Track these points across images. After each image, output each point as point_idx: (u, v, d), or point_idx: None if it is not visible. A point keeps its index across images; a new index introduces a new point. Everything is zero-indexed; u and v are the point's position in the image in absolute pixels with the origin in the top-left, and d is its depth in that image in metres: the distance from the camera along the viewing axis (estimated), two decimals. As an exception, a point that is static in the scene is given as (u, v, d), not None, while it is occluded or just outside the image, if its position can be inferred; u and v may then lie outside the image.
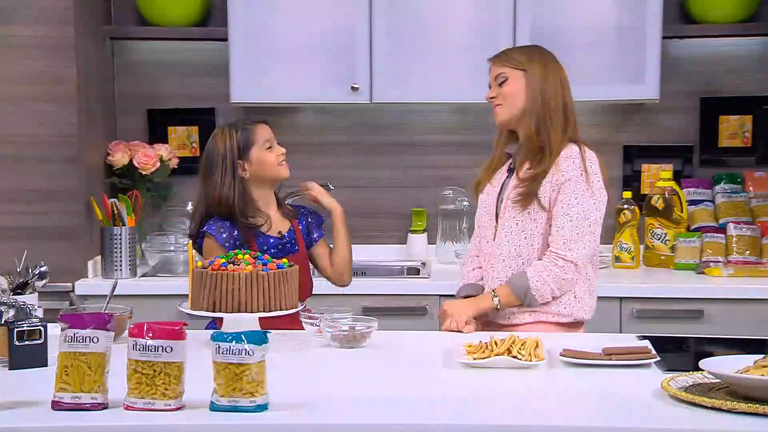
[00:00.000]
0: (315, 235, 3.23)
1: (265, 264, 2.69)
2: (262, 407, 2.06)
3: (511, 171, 3.02)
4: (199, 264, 2.74)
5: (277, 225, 3.19)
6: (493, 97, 3.01)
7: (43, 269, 2.81)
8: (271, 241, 3.14)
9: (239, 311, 2.62)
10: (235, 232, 3.08)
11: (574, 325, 2.98)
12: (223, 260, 2.68)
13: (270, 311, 2.64)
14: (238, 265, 2.66)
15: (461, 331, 2.87)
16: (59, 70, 3.80)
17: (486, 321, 3.01)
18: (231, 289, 2.62)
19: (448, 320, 2.93)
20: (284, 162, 3.17)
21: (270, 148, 3.14)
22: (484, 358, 2.45)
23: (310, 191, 3.26)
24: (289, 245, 3.17)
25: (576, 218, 2.87)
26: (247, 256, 2.71)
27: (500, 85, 2.99)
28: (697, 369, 2.23)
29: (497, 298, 2.91)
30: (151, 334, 2.07)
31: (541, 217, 2.91)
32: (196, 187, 3.22)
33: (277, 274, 2.66)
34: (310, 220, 3.26)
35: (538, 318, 2.94)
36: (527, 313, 2.94)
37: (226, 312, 2.63)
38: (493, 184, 3.05)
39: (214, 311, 2.65)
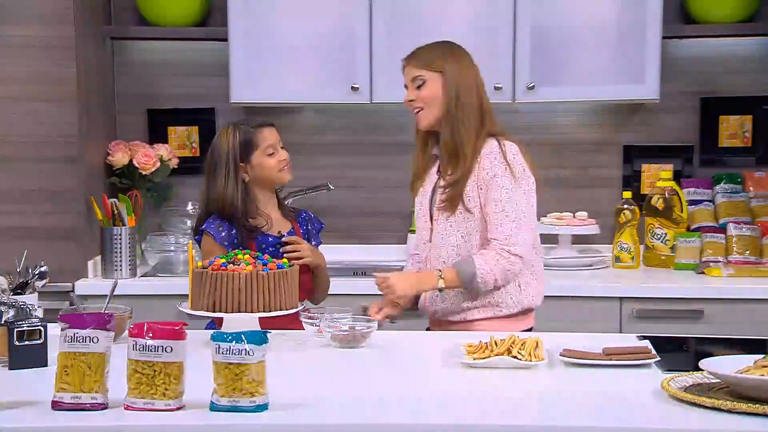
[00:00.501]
0: (313, 243, 3.22)
1: (265, 264, 2.69)
2: (262, 407, 2.06)
3: (439, 172, 3.03)
4: (199, 264, 2.74)
5: (278, 225, 3.19)
6: (412, 101, 2.98)
7: (43, 269, 2.81)
8: (270, 240, 3.14)
9: (239, 311, 2.62)
10: (234, 231, 3.09)
11: (523, 313, 3.00)
12: (223, 260, 2.68)
13: (270, 311, 2.64)
14: (238, 264, 2.66)
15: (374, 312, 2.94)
16: (59, 70, 3.80)
17: (438, 321, 3.02)
18: (231, 289, 2.62)
19: (388, 296, 2.94)
20: (286, 167, 3.17)
21: (272, 153, 3.14)
22: (484, 358, 2.45)
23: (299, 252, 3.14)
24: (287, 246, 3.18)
25: (511, 213, 2.88)
26: (247, 256, 2.71)
27: (418, 88, 2.96)
28: (697, 369, 2.23)
29: (442, 280, 2.89)
30: (151, 334, 2.07)
31: (474, 216, 2.92)
32: (196, 187, 3.24)
33: (277, 273, 2.66)
34: (309, 226, 3.26)
35: (486, 314, 2.96)
36: (477, 310, 2.96)
37: (226, 312, 2.63)
38: (425, 187, 3.05)
39: (214, 311, 2.65)
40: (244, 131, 3.14)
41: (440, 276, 2.89)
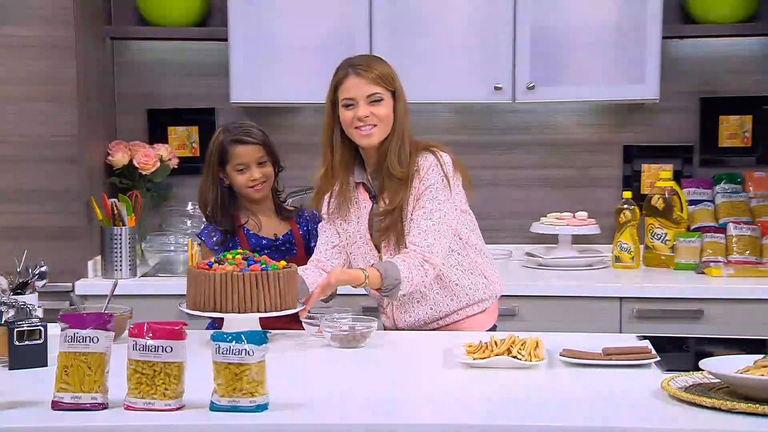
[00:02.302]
0: (313, 244, 3.21)
1: (250, 264, 2.66)
2: (262, 407, 2.06)
3: (374, 198, 2.96)
4: (192, 264, 2.76)
5: (273, 227, 3.20)
6: (366, 117, 2.86)
7: (43, 269, 2.81)
8: (264, 242, 3.16)
9: (215, 311, 2.59)
10: (224, 236, 3.13)
11: (493, 303, 3.04)
12: (212, 260, 2.68)
13: (245, 312, 2.59)
14: (222, 264, 2.65)
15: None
16: (59, 70, 3.80)
17: (425, 323, 2.99)
18: (206, 288, 2.60)
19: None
20: (257, 186, 3.14)
21: (242, 170, 3.14)
22: (484, 358, 2.45)
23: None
24: (284, 248, 3.18)
25: (438, 222, 2.86)
26: (237, 257, 2.69)
27: (374, 104, 2.86)
28: (697, 369, 2.23)
29: (367, 279, 2.80)
30: (151, 334, 2.07)
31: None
32: (196, 187, 3.27)
33: (257, 275, 2.60)
34: (310, 226, 3.25)
35: (468, 313, 2.98)
36: (455, 313, 2.97)
37: (203, 311, 2.61)
38: (356, 214, 2.97)
39: (193, 310, 2.65)
40: (225, 139, 3.15)
41: (366, 276, 2.80)
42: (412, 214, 2.87)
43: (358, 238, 2.98)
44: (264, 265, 2.65)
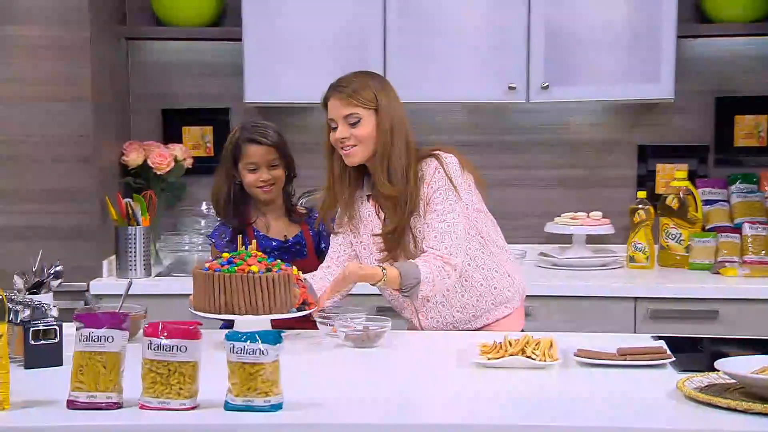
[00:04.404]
0: (323, 245, 3.20)
1: (229, 263, 2.61)
2: (277, 407, 2.06)
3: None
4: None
5: (282, 229, 3.20)
6: (345, 138, 2.84)
7: (58, 269, 2.82)
8: (273, 244, 3.16)
9: (219, 313, 2.59)
10: (233, 236, 3.13)
11: (520, 304, 3.03)
12: (223, 259, 2.66)
13: (228, 313, 2.58)
14: (222, 265, 2.63)
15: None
16: (74, 71, 3.82)
17: (456, 326, 2.98)
18: (196, 287, 2.60)
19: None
20: (265, 187, 3.14)
21: (253, 170, 3.14)
22: (498, 358, 2.45)
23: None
24: (294, 250, 3.18)
25: (452, 223, 2.83)
26: (247, 258, 2.67)
27: (352, 125, 2.83)
28: (713, 369, 2.22)
29: (385, 277, 2.77)
30: (165, 334, 2.08)
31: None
32: (211, 187, 3.26)
33: (233, 277, 2.55)
34: (320, 230, 3.23)
35: (496, 315, 2.96)
36: (483, 316, 2.95)
37: (207, 312, 2.61)
38: (365, 228, 2.95)
39: (194, 310, 2.64)
40: (240, 137, 3.16)
41: (384, 273, 2.77)
42: (425, 219, 2.86)
43: (368, 254, 2.97)
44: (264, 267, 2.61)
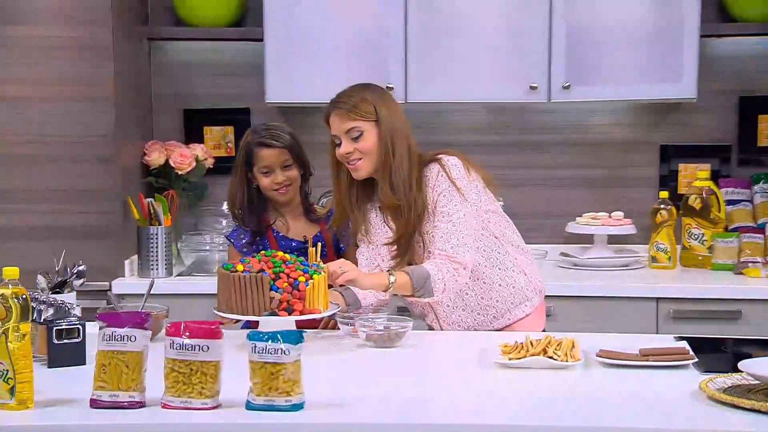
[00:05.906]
0: (342, 245, 3.21)
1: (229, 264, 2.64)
2: (298, 406, 2.07)
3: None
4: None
5: (301, 229, 3.21)
6: (349, 153, 2.87)
7: (81, 268, 2.84)
8: (293, 244, 3.17)
9: (237, 313, 2.60)
10: (253, 237, 3.13)
11: (540, 303, 3.02)
12: (246, 262, 2.67)
13: (224, 313, 2.61)
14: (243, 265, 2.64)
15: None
16: (96, 71, 3.84)
17: (474, 326, 2.98)
18: (231, 290, 2.60)
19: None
20: (281, 189, 3.16)
21: (267, 173, 3.15)
22: (519, 359, 2.44)
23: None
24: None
25: (459, 223, 2.84)
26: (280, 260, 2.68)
27: (355, 139, 2.86)
28: (736, 370, 2.21)
29: (393, 278, 2.78)
30: (187, 333, 2.08)
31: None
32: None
33: (248, 278, 2.57)
34: (340, 229, 3.24)
35: (517, 315, 2.96)
36: (503, 317, 2.95)
37: (227, 313, 2.62)
38: (379, 237, 2.97)
39: (222, 312, 2.65)
40: (251, 142, 3.17)
41: (391, 275, 2.79)
42: (434, 222, 2.87)
43: (383, 262, 2.98)
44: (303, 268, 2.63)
